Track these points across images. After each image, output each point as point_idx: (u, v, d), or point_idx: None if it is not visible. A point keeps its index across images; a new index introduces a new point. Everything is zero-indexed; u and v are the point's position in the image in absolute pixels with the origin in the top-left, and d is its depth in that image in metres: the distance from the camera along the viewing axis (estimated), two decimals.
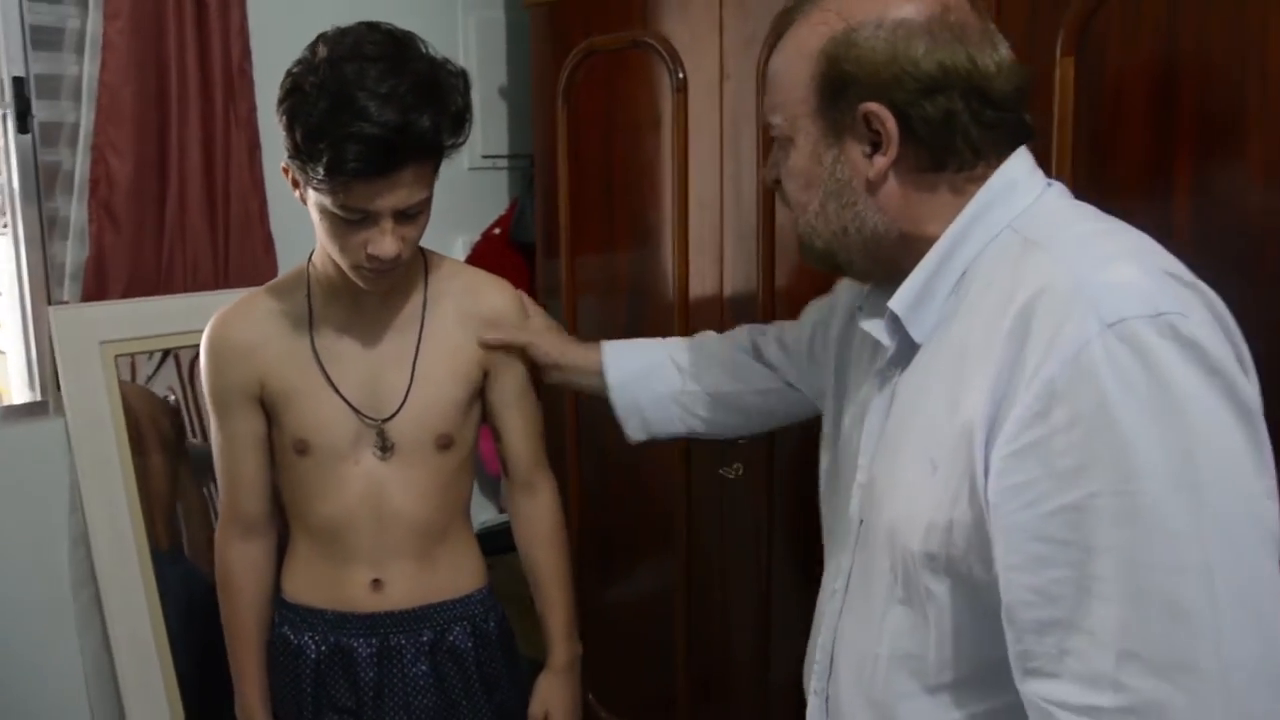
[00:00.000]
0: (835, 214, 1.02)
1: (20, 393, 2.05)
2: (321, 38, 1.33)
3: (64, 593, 2.02)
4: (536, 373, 1.60)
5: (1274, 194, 1.34)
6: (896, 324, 1.02)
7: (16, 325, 2.01)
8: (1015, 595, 0.87)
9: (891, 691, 1.02)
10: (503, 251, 2.47)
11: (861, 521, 1.07)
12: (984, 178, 0.99)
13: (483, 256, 2.47)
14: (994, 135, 0.97)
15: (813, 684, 1.16)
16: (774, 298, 1.86)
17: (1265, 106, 1.33)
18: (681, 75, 1.93)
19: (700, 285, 1.97)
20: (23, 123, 1.93)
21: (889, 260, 1.03)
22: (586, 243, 2.17)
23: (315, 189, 1.32)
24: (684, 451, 2.04)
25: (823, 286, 1.77)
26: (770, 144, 1.09)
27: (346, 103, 1.24)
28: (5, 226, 2.00)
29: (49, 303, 1.99)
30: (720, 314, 1.95)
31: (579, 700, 1.70)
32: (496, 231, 2.51)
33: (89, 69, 1.95)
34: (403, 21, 1.38)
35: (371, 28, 1.33)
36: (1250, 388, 0.84)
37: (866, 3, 0.98)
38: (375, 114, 1.24)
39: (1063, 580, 0.83)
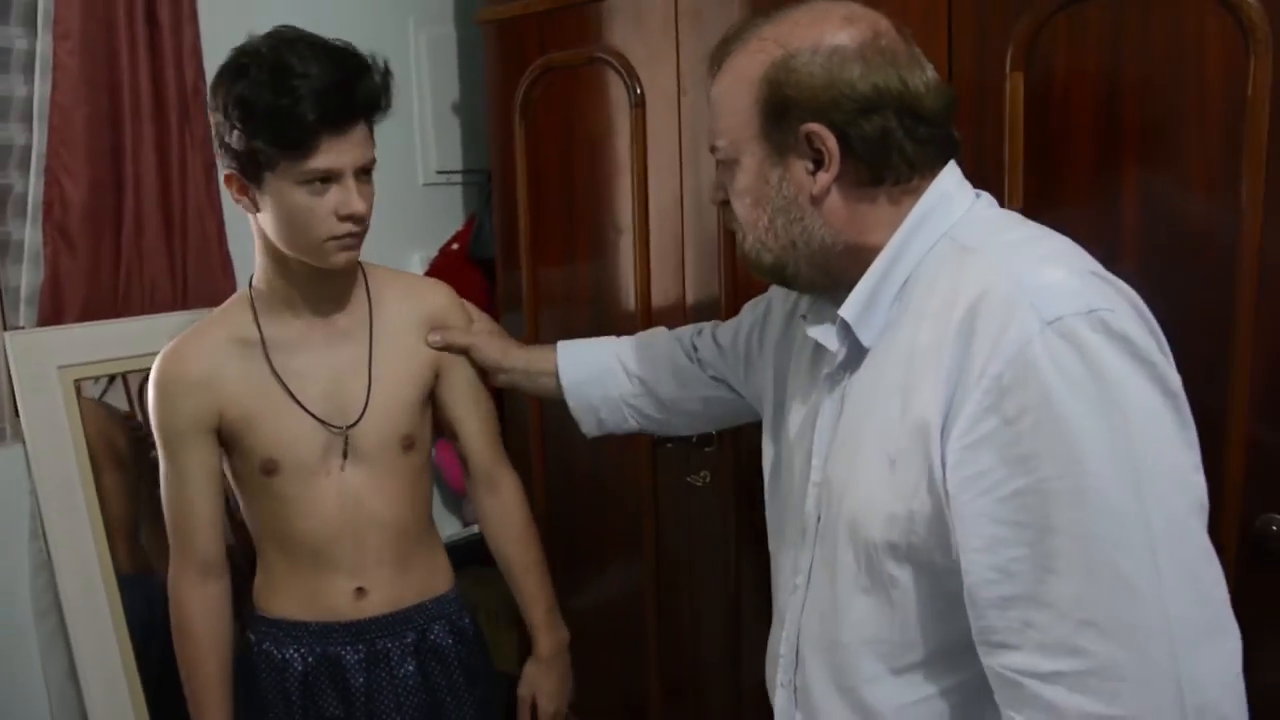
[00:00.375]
0: (783, 229, 1.10)
1: None
2: (240, 46, 1.43)
3: (26, 622, 1.98)
4: (484, 375, 1.66)
5: (1213, 199, 1.41)
6: (846, 330, 1.09)
7: None
8: (977, 575, 0.94)
9: (859, 676, 1.10)
10: (461, 267, 2.48)
11: (819, 518, 1.14)
12: (919, 190, 1.08)
13: (441, 272, 2.48)
14: (926, 150, 1.06)
15: (779, 677, 1.23)
16: (736, 308, 1.89)
17: (1203, 116, 1.40)
18: (639, 90, 1.97)
19: (662, 295, 2.01)
20: None
21: (836, 270, 1.11)
22: (547, 255, 2.19)
23: (272, 167, 1.39)
24: (650, 459, 2.08)
25: None
26: (718, 166, 1.16)
27: (290, 70, 1.36)
28: None
29: (4, 328, 1.95)
30: (683, 323, 1.97)
31: (569, 683, 1.75)
32: (455, 247, 2.52)
33: (40, 90, 1.93)
34: (354, 38, 1.48)
35: (284, 27, 1.44)
36: (1172, 372, 0.93)
37: (803, 31, 1.06)
38: (319, 72, 1.36)
39: (1021, 559, 0.92)
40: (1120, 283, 0.98)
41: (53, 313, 1.98)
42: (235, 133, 1.38)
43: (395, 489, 1.60)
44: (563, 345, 1.66)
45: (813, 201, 1.07)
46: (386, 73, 1.45)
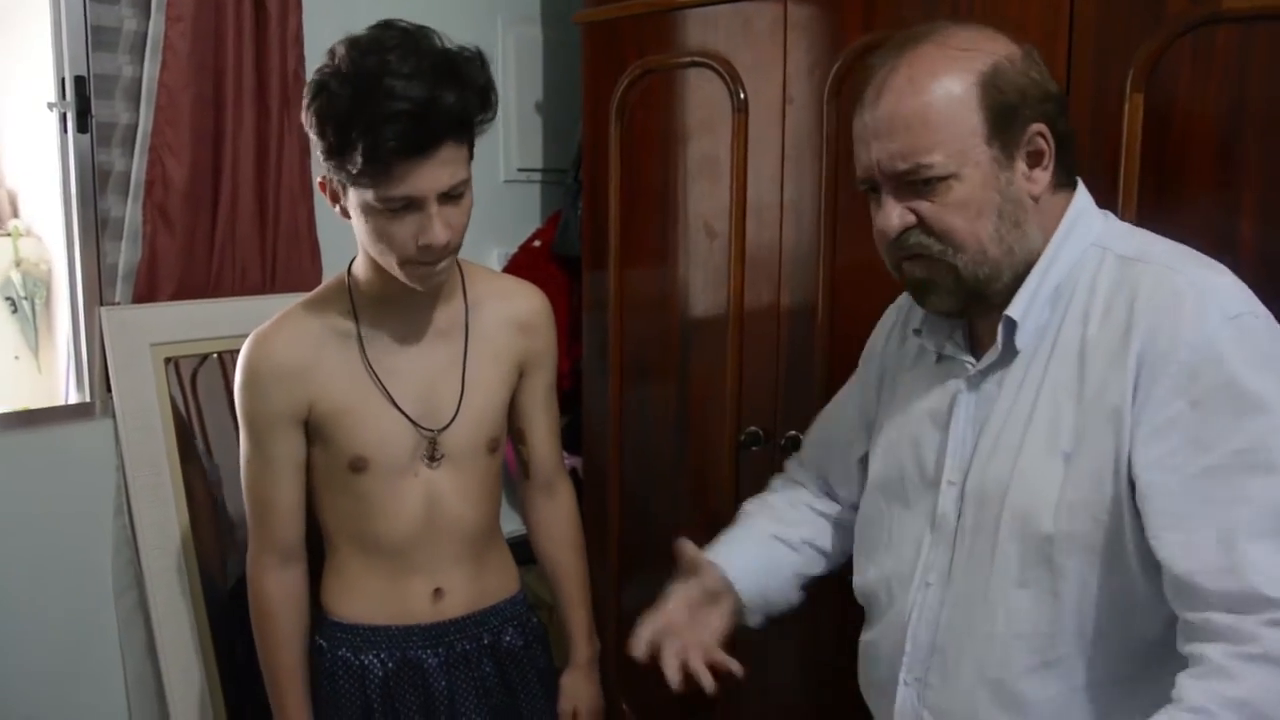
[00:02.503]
0: (1007, 233, 1.11)
1: (67, 394, 2.03)
2: (339, 43, 1.35)
3: (107, 597, 2.00)
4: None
5: None
6: (1010, 330, 1.13)
7: (66, 325, 2.00)
8: (1168, 553, 1.00)
9: (1011, 668, 1.11)
10: (542, 264, 2.49)
11: (959, 516, 1.17)
12: (1067, 198, 1.15)
13: (521, 268, 2.49)
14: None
15: (902, 675, 1.22)
16: (832, 317, 1.91)
17: None
18: (743, 96, 1.98)
19: (755, 300, 2.01)
20: (82, 122, 1.92)
21: (1024, 280, 1.13)
22: (636, 256, 2.20)
23: (356, 185, 1.33)
24: (733, 461, 2.08)
25: (877, 312, 1.84)
26: (908, 187, 1.11)
27: (373, 88, 1.28)
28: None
29: (100, 304, 1.97)
30: (776, 331, 1.99)
31: (601, 695, 1.75)
32: (536, 244, 2.53)
33: (149, 70, 1.95)
34: (444, 34, 1.38)
35: (386, 25, 1.36)
36: None
37: (986, 42, 1.10)
38: (402, 92, 1.27)
39: (1209, 535, 0.98)
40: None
41: (148, 290, 2.00)
42: (319, 145, 1.34)
43: (477, 490, 1.60)
44: (722, 558, 1.41)
45: (1034, 200, 1.11)
46: (486, 84, 1.36)
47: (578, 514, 1.76)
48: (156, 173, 1.97)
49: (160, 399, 2.00)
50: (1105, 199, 1.56)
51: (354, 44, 1.33)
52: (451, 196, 1.36)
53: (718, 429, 2.09)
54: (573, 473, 2.46)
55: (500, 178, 2.62)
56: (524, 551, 1.77)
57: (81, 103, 1.91)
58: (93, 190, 1.95)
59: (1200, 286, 1.04)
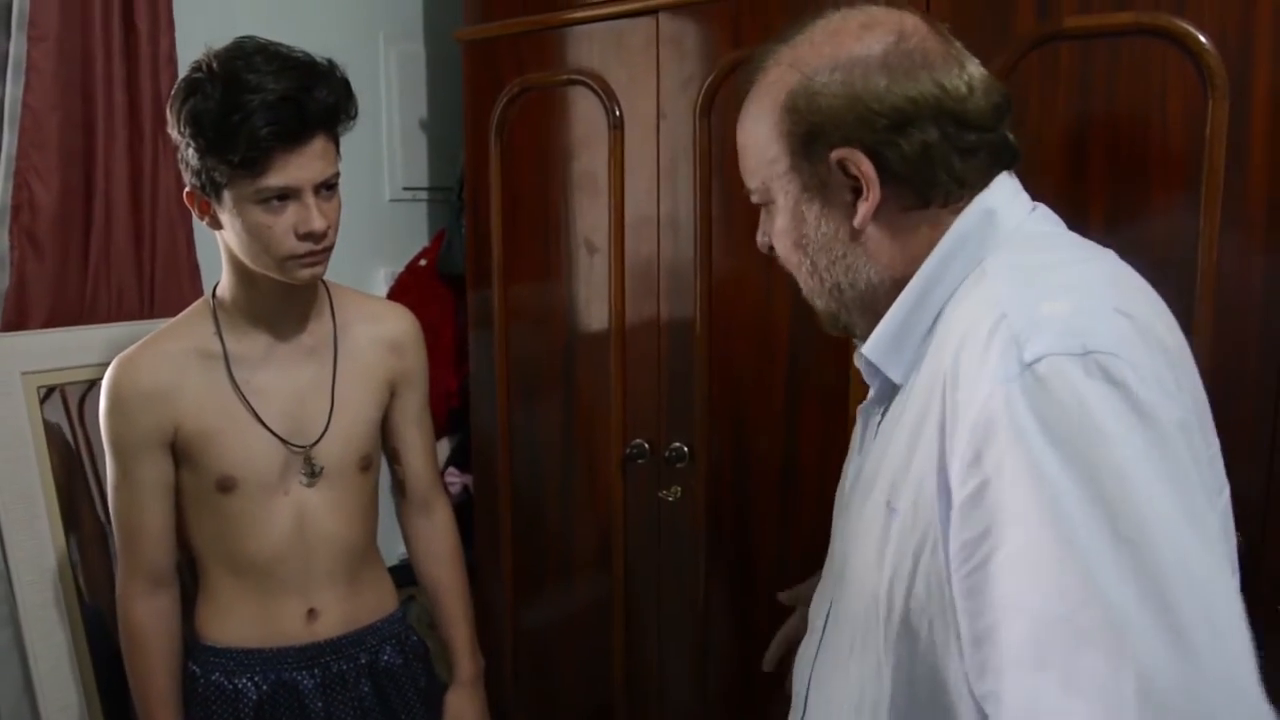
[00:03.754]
0: (826, 270, 0.99)
1: None
2: (201, 55, 1.40)
3: None
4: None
5: (1174, 230, 1.49)
6: (873, 368, 0.99)
7: None
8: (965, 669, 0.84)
9: None
10: (428, 283, 2.48)
11: (838, 561, 1.06)
12: (941, 220, 0.95)
13: (407, 288, 2.48)
14: (977, 161, 0.94)
15: (792, 714, 1.13)
16: (710, 330, 1.94)
17: (1166, 151, 1.49)
18: (618, 113, 2.01)
19: (636, 314, 2.04)
20: None
21: (886, 312, 0.98)
22: (519, 273, 2.21)
23: (233, 182, 1.36)
24: (620, 473, 2.10)
25: (755, 323, 1.88)
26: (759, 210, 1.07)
27: (243, 84, 1.34)
28: None
29: None
30: (657, 343, 2.02)
31: (487, 712, 1.76)
32: (422, 263, 2.52)
33: (12, 92, 1.90)
34: (325, 52, 1.47)
35: (244, 38, 1.42)
36: (1185, 449, 0.78)
37: (819, 48, 0.95)
38: (272, 85, 1.33)
39: (994, 656, 0.80)
40: (1165, 325, 0.87)
41: (17, 317, 1.94)
42: (190, 150, 1.37)
43: (351, 508, 1.60)
44: None
45: (853, 236, 0.96)
46: (346, 82, 1.43)
47: (456, 532, 1.78)
48: (23, 197, 1.92)
49: (34, 429, 1.94)
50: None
51: (217, 54, 1.38)
52: (326, 188, 1.41)
53: (604, 443, 2.11)
54: (464, 490, 2.47)
55: (385, 196, 2.60)
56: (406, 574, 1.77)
57: None
58: None
59: (1011, 316, 0.82)
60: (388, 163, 2.61)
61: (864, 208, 0.95)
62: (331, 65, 1.42)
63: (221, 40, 1.88)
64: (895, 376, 0.98)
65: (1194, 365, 0.89)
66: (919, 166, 0.93)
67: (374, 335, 1.63)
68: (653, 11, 1.94)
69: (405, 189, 2.65)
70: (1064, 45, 1.55)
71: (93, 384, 2.01)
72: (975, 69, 0.95)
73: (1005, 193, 0.97)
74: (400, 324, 1.67)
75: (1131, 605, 0.72)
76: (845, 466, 1.15)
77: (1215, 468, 0.89)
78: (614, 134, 2.02)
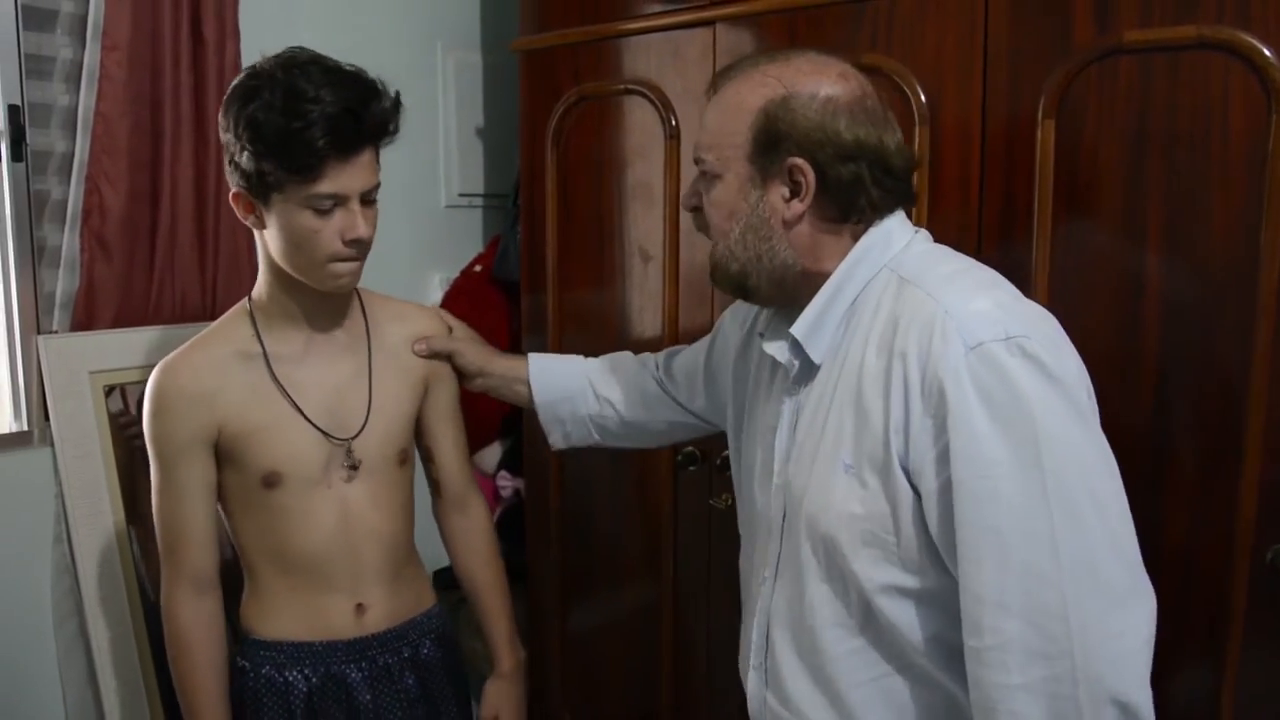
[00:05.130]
0: (752, 244, 1.22)
1: (5, 422, 2.02)
2: (258, 62, 1.45)
3: (47, 626, 1.99)
4: (462, 381, 1.74)
5: (1234, 247, 1.48)
6: (798, 347, 1.23)
7: (3, 355, 1.99)
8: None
9: (823, 655, 1.23)
10: (483, 288, 2.51)
11: (784, 516, 1.27)
12: (851, 235, 1.23)
13: (462, 293, 2.51)
14: (888, 198, 1.22)
15: (751, 660, 1.34)
16: None
17: (1226, 166, 1.48)
18: (674, 123, 2.03)
19: (689, 321, 2.06)
20: (16, 150, 1.92)
21: (791, 289, 1.24)
22: (573, 280, 2.23)
23: (285, 187, 1.40)
24: (672, 480, 2.12)
25: None
26: (700, 175, 1.27)
27: (301, 94, 1.38)
28: None
29: (38, 332, 1.97)
30: None
31: (525, 704, 1.79)
32: (477, 269, 2.55)
33: (85, 99, 1.96)
34: (384, 61, 1.50)
35: (298, 49, 1.45)
36: (1085, 394, 1.10)
37: (804, 76, 1.19)
38: (330, 98, 1.38)
39: (951, 546, 1.09)
40: (1038, 310, 1.15)
41: (86, 318, 2.00)
42: (245, 153, 1.41)
43: (392, 503, 1.63)
44: (535, 359, 1.76)
45: (784, 225, 1.21)
46: (397, 99, 1.47)
47: (492, 527, 1.81)
48: (94, 201, 1.98)
49: (100, 426, 2.00)
50: (1020, 222, 1.64)
51: (270, 63, 1.43)
52: (367, 200, 1.47)
53: (655, 450, 2.12)
54: (515, 494, 2.50)
55: (441, 203, 2.64)
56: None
57: (16, 131, 1.91)
58: (29, 219, 1.95)
59: (951, 314, 1.10)
60: (444, 169, 2.65)
61: (798, 206, 1.20)
62: (382, 83, 1.47)
63: (286, 46, 1.91)
64: (815, 356, 1.23)
65: None
66: (847, 190, 1.19)
67: (406, 333, 1.67)
68: (710, 23, 1.96)
69: (461, 195, 2.69)
70: (1123, 59, 1.54)
71: (112, 389, 2.06)
72: (899, 136, 1.24)
73: (898, 220, 1.25)
74: (429, 323, 1.72)
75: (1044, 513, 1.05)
76: (746, 443, 1.41)
77: None
78: (670, 144, 2.04)
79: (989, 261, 1.63)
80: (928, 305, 1.13)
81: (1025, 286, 1.62)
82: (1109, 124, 1.57)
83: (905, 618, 1.16)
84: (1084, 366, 1.12)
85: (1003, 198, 1.66)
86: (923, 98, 1.72)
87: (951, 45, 1.69)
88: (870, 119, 1.19)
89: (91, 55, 1.95)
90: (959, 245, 1.66)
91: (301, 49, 1.45)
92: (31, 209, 1.96)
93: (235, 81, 1.45)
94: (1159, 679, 1.55)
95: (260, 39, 2.17)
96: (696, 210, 1.29)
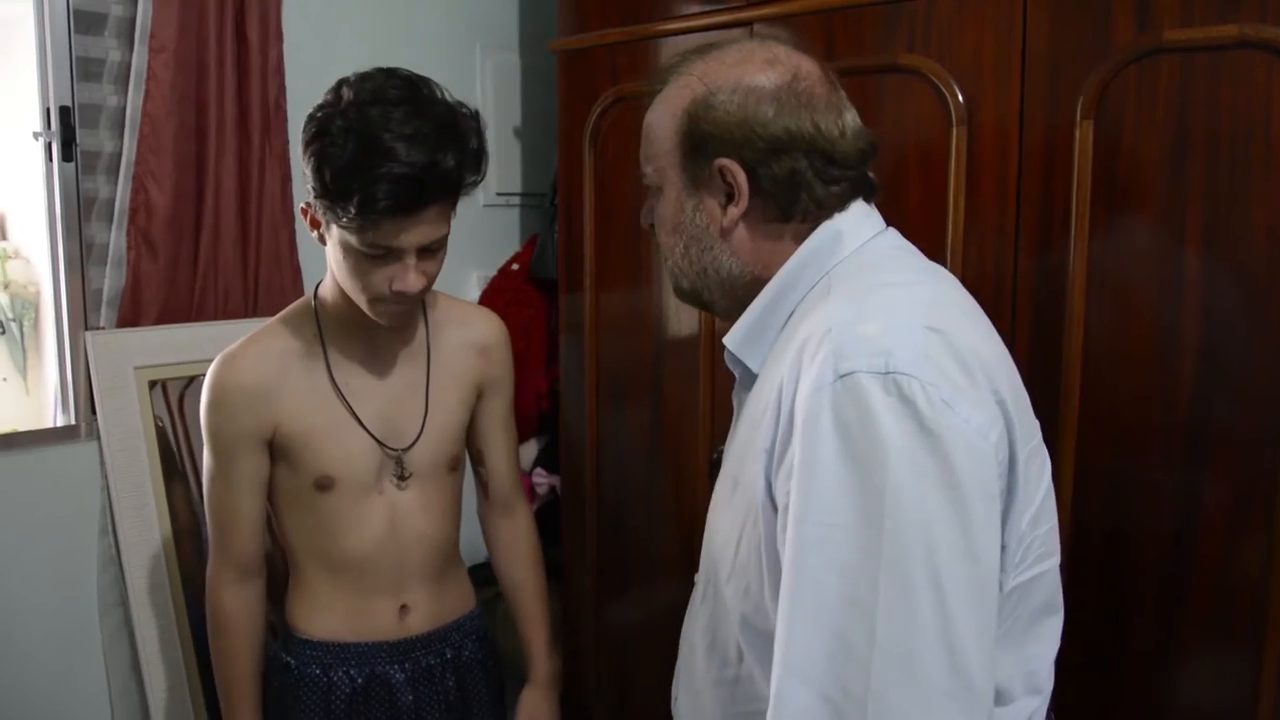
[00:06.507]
0: (696, 257, 1.14)
1: (53, 416, 2.07)
2: (343, 82, 1.38)
3: (92, 616, 2.03)
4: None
5: (1277, 248, 1.46)
6: (734, 355, 1.15)
7: (52, 350, 2.04)
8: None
9: (698, 679, 1.17)
10: (520, 287, 2.53)
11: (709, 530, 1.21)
12: (796, 236, 1.11)
13: (499, 292, 2.53)
14: (839, 190, 1.10)
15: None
16: None
17: (1269, 167, 1.46)
18: None
19: (724, 321, 2.06)
20: (67, 151, 1.97)
21: (744, 299, 1.14)
22: (611, 279, 2.25)
23: (343, 228, 1.37)
24: (708, 477, 2.12)
25: None
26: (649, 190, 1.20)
27: (374, 144, 1.31)
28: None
29: (85, 328, 2.01)
30: None
31: (559, 714, 1.79)
32: (515, 267, 2.57)
33: (133, 100, 2.00)
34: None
35: (390, 73, 1.39)
36: (968, 459, 0.91)
37: (726, 70, 1.10)
38: (403, 155, 1.31)
39: (777, 595, 0.96)
40: (970, 353, 0.97)
41: (132, 315, 2.04)
42: (311, 178, 1.37)
43: (441, 508, 1.64)
44: None
45: (722, 233, 1.11)
46: (478, 150, 1.41)
47: (536, 533, 1.81)
48: (140, 200, 2.02)
49: (144, 421, 2.04)
50: (1059, 223, 1.64)
51: (359, 89, 1.36)
52: (429, 250, 1.42)
53: (691, 448, 2.13)
54: (551, 491, 2.51)
55: (480, 202, 2.67)
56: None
57: (66, 132, 1.96)
58: (78, 217, 1.99)
59: (834, 334, 0.97)
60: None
61: (733, 212, 1.10)
62: (472, 124, 1.40)
63: (328, 49, 1.94)
64: (753, 366, 1.13)
65: (1013, 367, 1.06)
66: (785, 187, 1.08)
67: (463, 339, 1.66)
68: (747, 23, 1.96)
69: (499, 194, 2.71)
70: (1164, 59, 1.53)
71: (192, 379, 2.10)
72: (851, 117, 1.11)
73: (855, 217, 1.12)
74: (489, 328, 1.70)
75: (864, 589, 0.89)
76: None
77: (1037, 454, 1.05)
78: None
79: (1027, 264, 1.66)
80: (824, 320, 0.99)
81: (1063, 288, 1.62)
82: (1149, 125, 1.56)
83: (760, 660, 1.04)
84: (998, 434, 0.96)
85: (1041, 199, 1.66)
86: (960, 99, 1.71)
87: (990, 46, 1.69)
88: (804, 104, 1.07)
89: (139, 57, 1.99)
90: (997, 247, 1.68)
91: (393, 73, 1.38)
92: (80, 208, 2.00)
93: (321, 101, 1.39)
94: (1196, 679, 1.56)
95: (303, 41, 2.22)
96: (652, 228, 1.21)
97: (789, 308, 1.10)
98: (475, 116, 1.43)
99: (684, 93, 1.11)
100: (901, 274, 1.09)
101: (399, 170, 1.30)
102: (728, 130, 1.07)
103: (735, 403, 1.21)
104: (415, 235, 1.37)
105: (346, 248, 1.40)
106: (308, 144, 1.37)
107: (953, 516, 0.90)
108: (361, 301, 1.45)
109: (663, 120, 1.14)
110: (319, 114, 1.37)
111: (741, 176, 1.08)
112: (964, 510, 0.90)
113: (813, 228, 1.10)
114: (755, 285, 1.13)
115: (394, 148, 1.31)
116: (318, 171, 1.34)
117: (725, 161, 1.08)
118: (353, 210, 1.32)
